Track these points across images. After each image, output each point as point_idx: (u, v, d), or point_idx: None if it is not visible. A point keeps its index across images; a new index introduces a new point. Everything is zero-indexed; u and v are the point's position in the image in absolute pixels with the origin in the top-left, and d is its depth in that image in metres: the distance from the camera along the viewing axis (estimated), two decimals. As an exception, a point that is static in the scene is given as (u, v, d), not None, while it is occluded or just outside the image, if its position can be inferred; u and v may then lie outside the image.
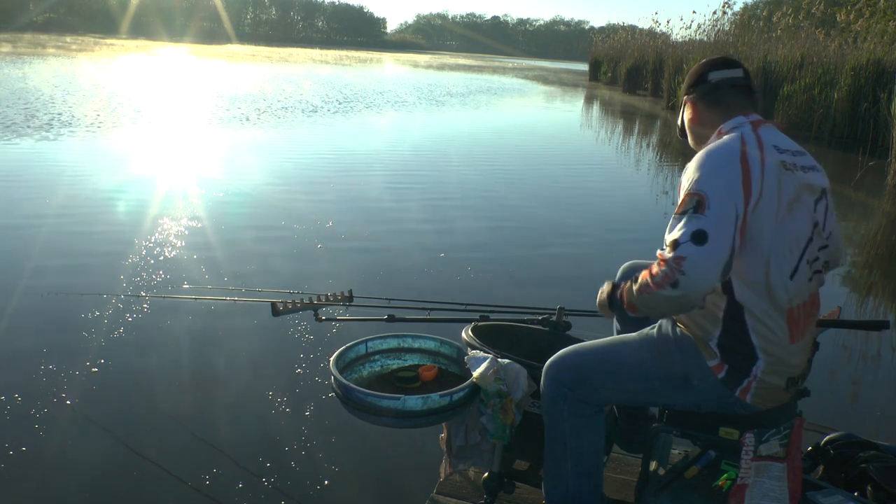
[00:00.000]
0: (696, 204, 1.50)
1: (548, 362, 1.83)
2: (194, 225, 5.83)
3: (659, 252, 1.54)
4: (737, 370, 1.62)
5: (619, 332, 2.09)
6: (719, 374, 1.63)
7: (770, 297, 1.57)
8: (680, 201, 1.55)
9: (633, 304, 1.62)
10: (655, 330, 1.76)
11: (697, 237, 1.47)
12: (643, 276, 1.57)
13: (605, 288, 1.76)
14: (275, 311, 2.27)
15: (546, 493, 1.88)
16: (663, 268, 1.50)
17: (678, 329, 1.71)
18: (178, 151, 9.79)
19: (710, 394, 1.66)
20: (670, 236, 1.51)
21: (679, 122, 1.89)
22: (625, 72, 28.90)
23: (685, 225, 1.49)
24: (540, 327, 2.32)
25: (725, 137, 1.65)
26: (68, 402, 3.00)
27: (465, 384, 1.89)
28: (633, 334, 1.81)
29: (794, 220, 1.58)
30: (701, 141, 1.78)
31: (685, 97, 1.82)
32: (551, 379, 1.80)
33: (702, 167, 1.57)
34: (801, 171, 1.62)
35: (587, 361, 1.79)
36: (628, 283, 1.64)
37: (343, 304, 2.42)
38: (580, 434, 1.80)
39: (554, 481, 1.85)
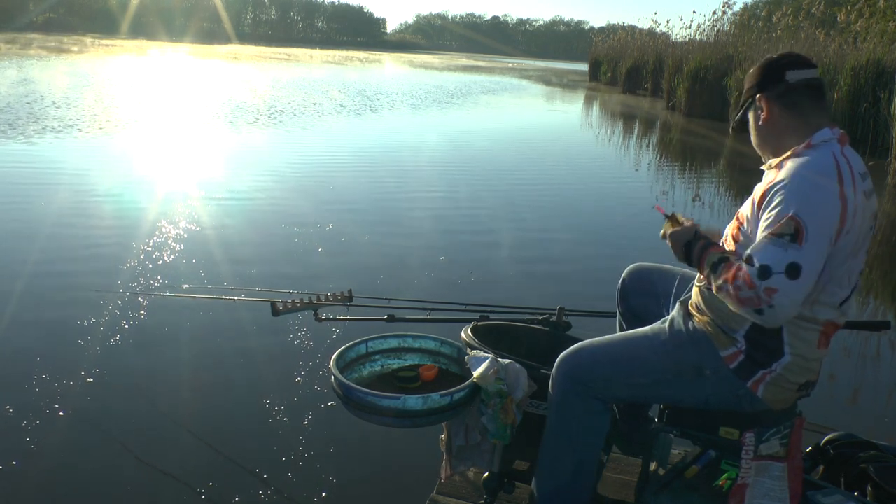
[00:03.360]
0: (794, 232, 1.45)
1: (560, 357, 1.82)
2: (194, 226, 5.83)
3: (747, 270, 1.48)
4: (755, 361, 1.63)
5: (621, 331, 2.09)
6: (731, 365, 1.65)
7: (813, 314, 1.60)
8: (777, 221, 1.48)
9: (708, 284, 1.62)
10: (668, 324, 1.77)
11: (792, 271, 1.44)
12: (728, 275, 1.52)
13: (688, 225, 1.71)
14: (275, 311, 2.27)
15: (536, 484, 1.88)
16: (751, 290, 1.46)
17: (691, 322, 1.73)
18: (180, 153, 9.79)
19: (720, 385, 1.67)
20: (762, 260, 1.46)
21: (738, 117, 1.80)
22: (625, 72, 28.86)
23: (781, 253, 1.45)
24: (540, 327, 2.32)
25: (818, 155, 1.58)
26: (66, 403, 3.00)
27: (465, 384, 1.89)
28: (645, 328, 1.82)
29: (859, 255, 1.60)
30: (768, 143, 1.71)
31: (758, 94, 1.71)
32: (564, 374, 1.79)
33: (802, 189, 1.50)
34: (870, 198, 1.62)
35: (601, 356, 1.79)
36: (713, 259, 1.59)
37: (343, 304, 2.43)
38: (588, 431, 1.80)
39: (547, 474, 1.85)
